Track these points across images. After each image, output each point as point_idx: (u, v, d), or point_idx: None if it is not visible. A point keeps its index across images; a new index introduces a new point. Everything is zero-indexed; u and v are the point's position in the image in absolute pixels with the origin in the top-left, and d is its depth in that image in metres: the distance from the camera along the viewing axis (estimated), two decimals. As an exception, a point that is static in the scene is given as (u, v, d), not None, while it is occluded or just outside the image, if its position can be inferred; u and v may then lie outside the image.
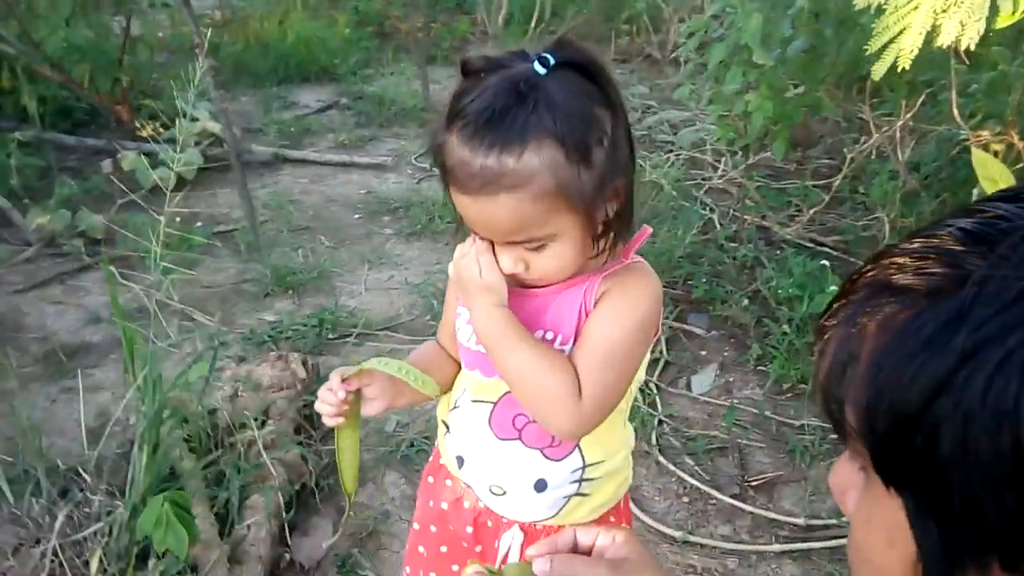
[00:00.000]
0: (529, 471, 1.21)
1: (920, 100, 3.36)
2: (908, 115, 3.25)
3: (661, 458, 2.49)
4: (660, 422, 2.64)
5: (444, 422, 1.30)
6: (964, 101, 3.54)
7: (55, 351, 2.99)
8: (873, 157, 3.87)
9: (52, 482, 2.11)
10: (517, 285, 1.13)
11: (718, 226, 3.74)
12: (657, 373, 2.87)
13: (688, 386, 2.85)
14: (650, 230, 1.20)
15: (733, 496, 2.34)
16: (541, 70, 0.95)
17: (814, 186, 4.04)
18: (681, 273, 3.34)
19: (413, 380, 1.16)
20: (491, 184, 0.96)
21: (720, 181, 4.06)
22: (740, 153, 4.25)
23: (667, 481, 2.43)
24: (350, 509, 1.26)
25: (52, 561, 1.87)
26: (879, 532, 0.50)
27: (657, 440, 2.57)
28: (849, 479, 0.53)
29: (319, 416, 1.18)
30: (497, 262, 1.09)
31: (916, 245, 0.47)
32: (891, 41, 1.83)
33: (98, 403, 2.60)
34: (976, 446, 0.41)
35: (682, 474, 2.43)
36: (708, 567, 2.13)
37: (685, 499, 2.37)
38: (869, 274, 0.49)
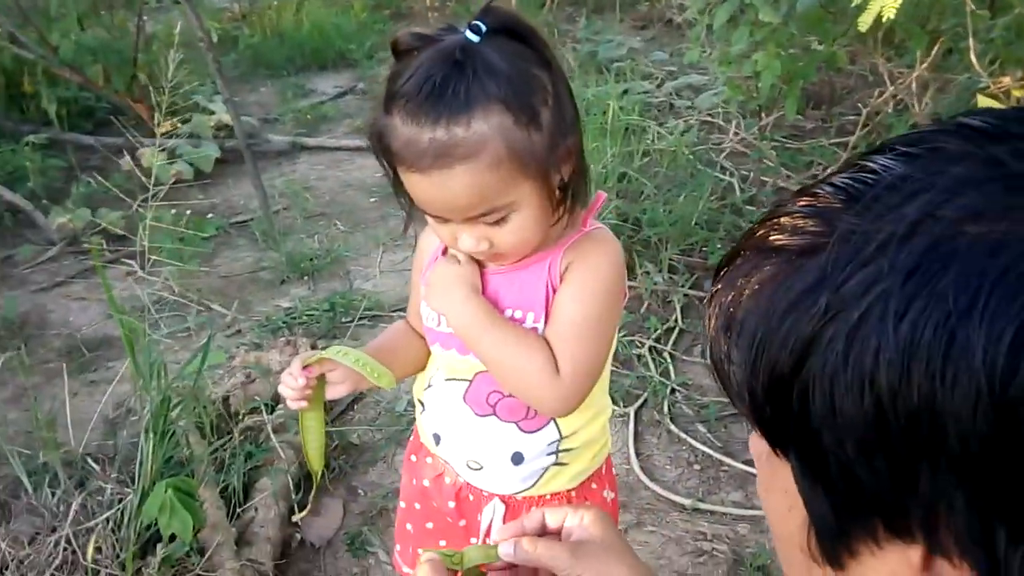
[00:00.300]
0: (505, 445, 1.21)
1: (936, 48, 3.24)
2: (923, 65, 3.14)
3: (672, 426, 2.46)
4: (672, 391, 2.61)
5: (420, 401, 1.31)
6: (984, 48, 3.41)
7: (78, 345, 3.06)
8: (894, 110, 3.76)
9: (69, 473, 2.17)
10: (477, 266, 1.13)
11: (737, 191, 3.67)
12: (671, 341, 2.84)
13: (703, 353, 2.81)
14: (604, 196, 1.19)
15: (745, 462, 2.30)
16: (474, 37, 0.94)
17: (836, 143, 3.94)
18: (697, 240, 3.29)
19: (369, 372, 1.17)
20: (443, 157, 0.94)
21: (736, 144, 3.98)
22: (756, 115, 4.17)
23: (678, 449, 2.41)
24: (318, 483, 1.27)
25: (65, 549, 1.92)
26: (778, 497, 0.49)
27: (669, 409, 2.54)
28: (760, 446, 0.52)
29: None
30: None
31: (796, 204, 0.46)
32: (878, -9, 1.77)
33: (117, 394, 2.65)
34: (843, 407, 0.40)
35: (694, 442, 2.40)
36: (719, 533, 2.11)
37: (696, 467, 2.34)
38: (756, 235, 0.47)
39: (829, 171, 0.48)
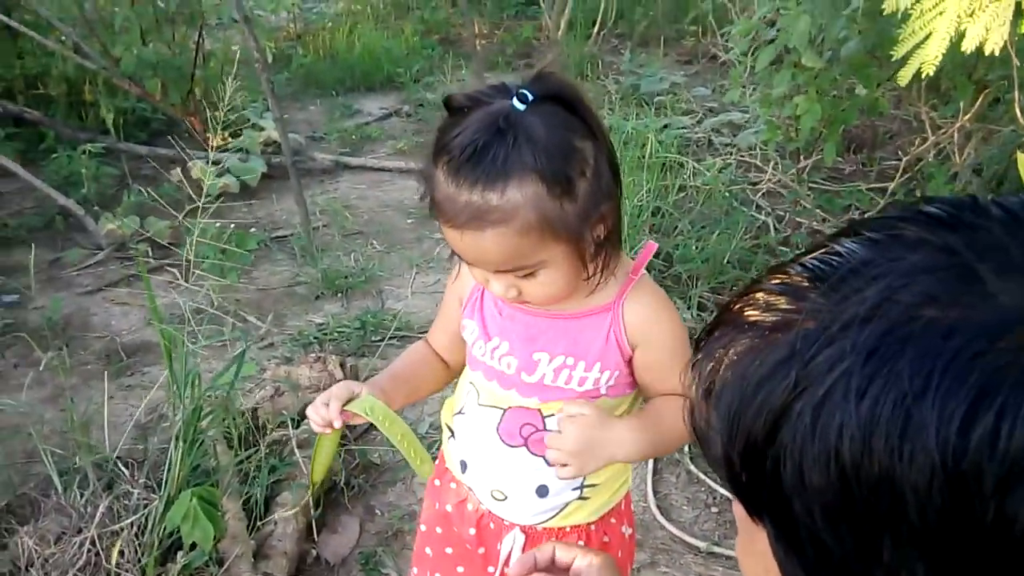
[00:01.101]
0: (532, 478, 1.24)
1: (981, 99, 3.22)
2: (967, 116, 3.12)
3: (692, 467, 2.47)
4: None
5: (448, 426, 1.34)
6: (1031, 100, 3.38)
7: (117, 350, 3.15)
8: (936, 159, 3.74)
9: (99, 475, 2.24)
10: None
11: (772, 231, 3.67)
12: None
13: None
14: (656, 246, 1.23)
15: (762, 506, 2.29)
16: (520, 106, 0.97)
17: (874, 188, 3.91)
18: (728, 279, 3.29)
19: (412, 456, 1.21)
20: (476, 219, 0.99)
21: (773, 184, 3.97)
22: (795, 156, 4.16)
23: (696, 490, 2.41)
24: (312, 493, 1.32)
25: (90, 550, 1.98)
26: (756, 559, 0.52)
27: (689, 449, 2.54)
28: (740, 509, 0.54)
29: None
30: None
31: (770, 281, 0.49)
32: (917, 47, 1.78)
33: (152, 400, 2.72)
34: (811, 477, 0.42)
35: (712, 483, 2.40)
36: (731, 578, 2.10)
37: (714, 509, 2.34)
38: (733, 309, 0.50)
39: (801, 251, 0.51)
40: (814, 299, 0.44)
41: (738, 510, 0.55)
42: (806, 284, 0.46)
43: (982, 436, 0.37)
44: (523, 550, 1.29)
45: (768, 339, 0.45)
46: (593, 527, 1.29)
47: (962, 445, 0.37)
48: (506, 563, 1.31)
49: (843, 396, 0.41)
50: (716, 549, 2.18)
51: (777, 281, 0.48)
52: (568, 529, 1.28)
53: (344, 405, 1.17)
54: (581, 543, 1.28)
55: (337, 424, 1.16)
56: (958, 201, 0.46)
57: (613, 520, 1.32)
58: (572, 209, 1.00)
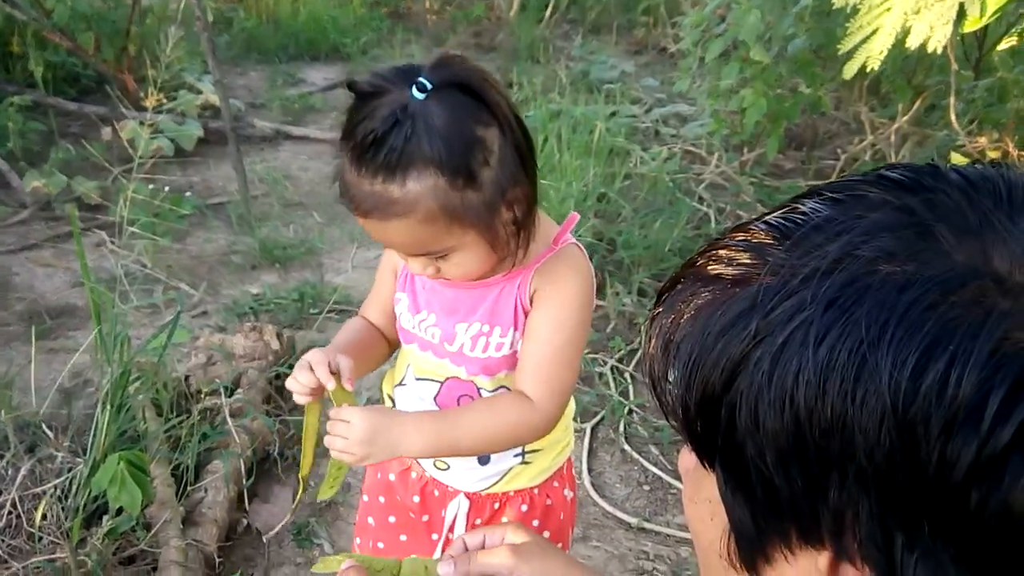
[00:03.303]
0: None
1: (919, 104, 3.33)
2: (904, 118, 3.22)
3: (627, 446, 2.50)
4: (630, 411, 2.65)
5: (389, 397, 1.32)
6: (965, 107, 3.51)
7: (40, 312, 3.03)
8: (872, 159, 3.85)
9: (21, 438, 2.15)
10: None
11: (713, 222, 3.73)
12: (634, 363, 2.87)
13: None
14: (577, 216, 1.22)
15: (694, 487, 2.34)
16: (419, 95, 0.95)
17: (812, 185, 4.00)
18: (668, 266, 3.33)
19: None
20: (378, 210, 0.98)
21: (716, 176, 4.04)
22: (738, 150, 4.24)
23: (630, 469, 2.44)
24: (303, 492, 1.24)
25: (10, 513, 1.90)
26: (703, 507, 0.53)
27: (625, 429, 2.57)
28: (689, 461, 0.56)
29: (290, 391, 1.15)
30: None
31: (732, 238, 0.50)
32: (863, 41, 1.82)
33: (76, 365, 2.63)
34: (765, 422, 0.44)
35: (645, 463, 2.44)
36: (661, 554, 2.14)
37: (646, 487, 2.37)
38: (695, 264, 0.52)
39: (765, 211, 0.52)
40: (777, 254, 0.46)
41: (684, 461, 0.57)
42: (769, 240, 0.47)
43: (932, 382, 0.39)
44: (467, 516, 1.29)
45: (729, 292, 0.47)
46: (536, 491, 1.29)
47: (913, 390, 0.39)
48: (451, 529, 1.31)
49: (801, 343, 0.42)
50: (647, 525, 2.21)
51: (741, 237, 0.49)
52: (512, 493, 1.29)
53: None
54: (524, 507, 1.29)
55: (330, 385, 1.08)
56: (918, 167, 0.48)
57: (556, 484, 1.32)
58: (476, 198, 0.98)
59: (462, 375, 1.19)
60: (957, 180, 0.46)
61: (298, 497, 1.30)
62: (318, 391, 1.11)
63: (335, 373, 1.10)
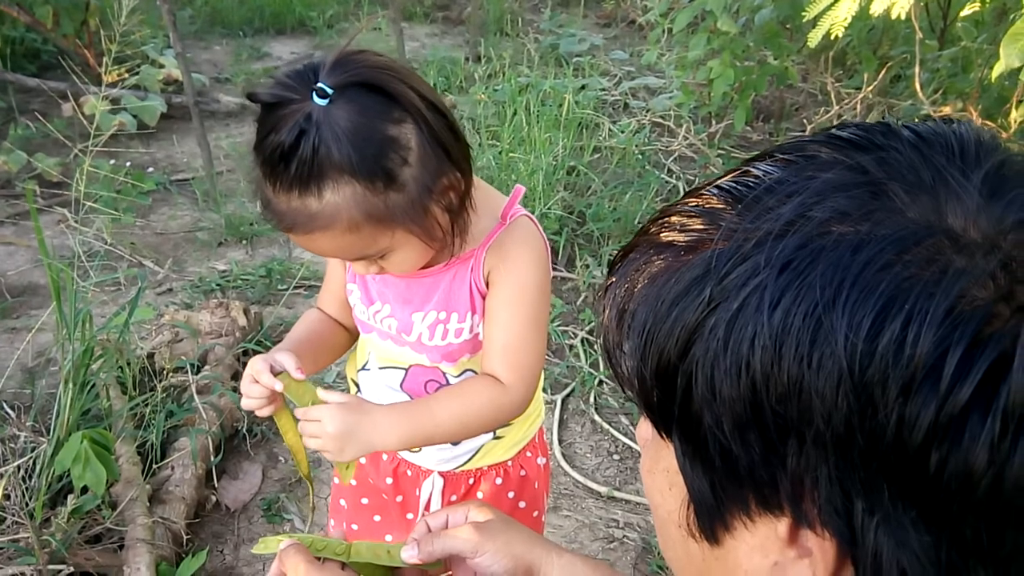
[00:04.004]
0: None
1: (884, 73, 3.34)
2: (870, 88, 3.24)
3: (596, 416, 2.51)
4: (600, 382, 2.66)
5: (354, 381, 1.30)
6: (930, 77, 3.54)
7: (1, 291, 2.97)
8: (838, 130, 3.87)
9: (-19, 418, 2.12)
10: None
11: (681, 193, 3.73)
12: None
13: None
14: (523, 189, 1.18)
15: (663, 456, 2.36)
16: (321, 102, 0.89)
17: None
18: (636, 238, 3.33)
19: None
20: (300, 226, 0.94)
21: (685, 148, 4.04)
22: (706, 122, 4.24)
23: (600, 439, 2.45)
24: (312, 491, 1.22)
25: (-29, 493, 1.87)
26: (660, 477, 0.52)
27: (595, 400, 2.59)
28: (646, 431, 0.55)
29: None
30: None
31: (685, 204, 0.49)
32: (828, 8, 1.82)
33: (38, 344, 2.59)
34: (722, 389, 0.43)
35: (616, 433, 2.45)
36: (631, 522, 2.16)
37: (616, 457, 2.39)
38: (648, 232, 0.50)
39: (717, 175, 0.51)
40: (729, 219, 0.45)
41: (642, 432, 0.57)
42: (721, 205, 0.46)
43: (888, 343, 0.38)
44: (442, 493, 1.28)
45: (683, 259, 0.46)
46: (510, 463, 1.29)
47: (869, 351, 0.38)
48: (427, 508, 1.30)
49: (756, 308, 0.41)
50: (617, 494, 2.23)
51: (693, 203, 0.48)
52: (486, 468, 1.28)
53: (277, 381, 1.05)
54: (499, 481, 1.29)
55: (278, 386, 1.04)
56: (869, 125, 0.47)
57: (529, 454, 1.32)
58: (400, 198, 0.94)
59: (424, 362, 1.17)
60: (909, 137, 0.45)
61: (311, 498, 1.26)
62: (274, 397, 1.07)
63: (280, 373, 1.06)
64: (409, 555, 0.83)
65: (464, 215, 1.04)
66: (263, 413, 1.08)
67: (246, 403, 1.07)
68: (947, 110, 3.37)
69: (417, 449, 1.25)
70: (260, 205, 0.97)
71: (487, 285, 1.11)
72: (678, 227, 0.48)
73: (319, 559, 0.81)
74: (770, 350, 0.41)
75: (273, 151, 0.90)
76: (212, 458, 2.19)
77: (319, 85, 0.89)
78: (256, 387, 1.05)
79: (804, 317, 0.40)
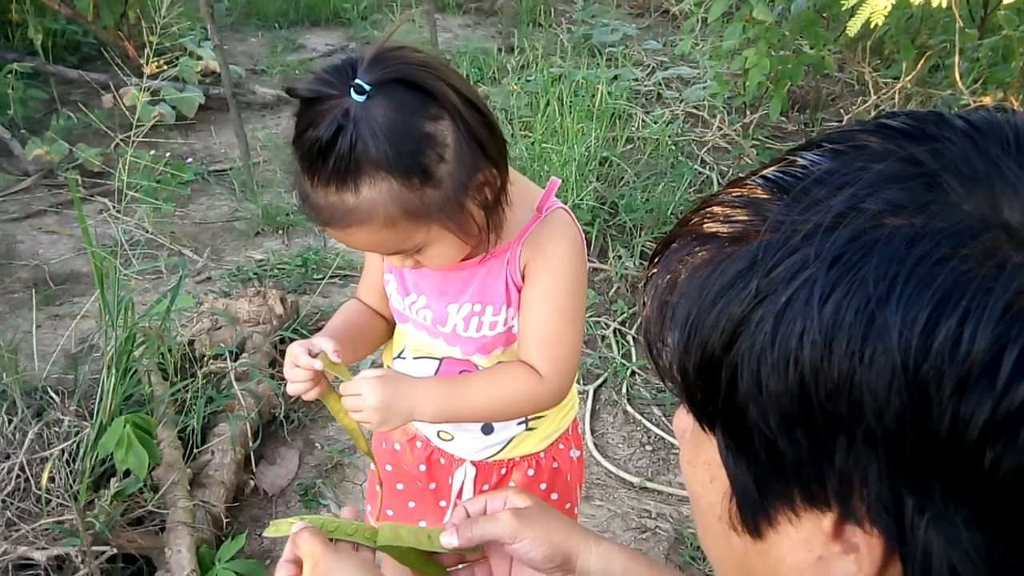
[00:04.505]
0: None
1: (922, 63, 3.29)
2: (908, 77, 3.19)
3: (629, 407, 2.52)
4: (632, 373, 2.66)
5: (390, 368, 1.32)
6: (969, 66, 3.48)
7: (45, 278, 3.04)
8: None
9: (28, 403, 2.17)
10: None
11: (715, 185, 3.71)
12: (636, 326, 2.88)
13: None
14: (559, 182, 1.19)
15: (696, 447, 2.36)
16: (359, 97, 0.90)
17: (814, 147, 3.98)
18: (669, 229, 3.30)
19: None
20: (337, 220, 0.95)
21: (718, 138, 4.02)
22: (741, 112, 4.21)
23: (632, 430, 2.46)
24: (374, 463, 1.24)
25: (18, 476, 1.93)
26: (702, 470, 0.52)
27: (627, 390, 2.59)
28: (685, 422, 0.55)
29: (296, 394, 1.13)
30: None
31: (729, 194, 0.48)
32: (867, -4, 1.80)
33: (81, 330, 2.65)
34: (768, 384, 0.42)
35: (648, 423, 2.46)
36: (663, 512, 2.16)
37: (648, 448, 2.40)
38: (690, 223, 0.50)
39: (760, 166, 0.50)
40: (776, 210, 0.44)
41: (681, 423, 0.56)
42: (766, 196, 0.46)
43: (944, 339, 0.37)
44: (474, 482, 1.30)
45: (727, 250, 0.45)
46: (542, 455, 1.30)
47: (924, 347, 0.38)
48: (459, 496, 1.32)
49: (806, 302, 0.41)
50: (649, 484, 2.23)
51: (736, 194, 0.48)
52: (518, 459, 1.29)
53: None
54: (531, 472, 1.30)
55: (317, 364, 1.06)
56: (920, 114, 0.46)
57: (561, 446, 1.33)
58: (436, 195, 0.95)
59: (457, 355, 1.19)
60: (962, 127, 0.44)
61: (378, 474, 1.28)
62: (317, 379, 1.09)
63: (318, 354, 1.08)
64: (448, 540, 0.84)
65: (499, 211, 1.04)
66: (309, 396, 1.10)
67: (291, 388, 1.09)
68: (987, 100, 3.31)
69: (449, 437, 1.27)
70: (298, 198, 0.99)
71: (523, 278, 1.12)
72: (721, 218, 0.47)
73: (332, 541, 0.81)
74: (820, 345, 0.40)
75: (311, 146, 0.91)
76: (250, 443, 2.23)
77: (357, 81, 0.90)
78: (298, 371, 1.07)
79: (856, 312, 0.39)
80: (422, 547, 0.86)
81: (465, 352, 1.18)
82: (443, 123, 0.94)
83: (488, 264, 1.12)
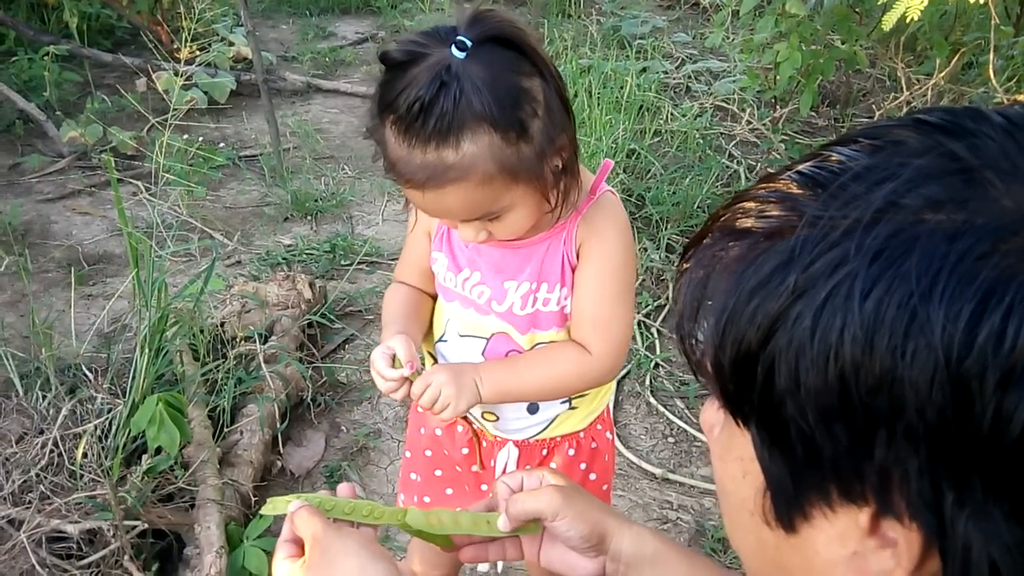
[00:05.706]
0: None
1: (956, 60, 3.26)
2: (941, 74, 3.16)
3: (652, 399, 2.52)
4: (656, 365, 2.67)
5: (430, 354, 1.33)
6: (1004, 64, 3.44)
7: (78, 259, 3.10)
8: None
9: (62, 380, 2.22)
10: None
11: (743, 179, 3.70)
12: (660, 318, 2.89)
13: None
14: (611, 163, 1.22)
15: (719, 440, 2.36)
16: (460, 55, 0.94)
17: (845, 144, 3.95)
18: (697, 223, 3.32)
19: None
20: (435, 178, 0.97)
21: (747, 133, 4.00)
22: (771, 106, 4.18)
23: (655, 421, 2.47)
24: (476, 437, 1.30)
25: (52, 451, 1.97)
26: (734, 465, 0.52)
27: (651, 382, 2.60)
28: (714, 417, 0.55)
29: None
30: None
31: (761, 190, 0.48)
32: (904, -10, 1.78)
33: (114, 310, 2.69)
34: (807, 379, 0.42)
35: (671, 416, 2.46)
36: (684, 504, 2.17)
37: (671, 439, 2.40)
38: (722, 218, 0.50)
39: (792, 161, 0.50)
40: (812, 205, 0.44)
41: (709, 418, 0.56)
42: (800, 191, 0.46)
43: (988, 334, 0.37)
44: (517, 463, 1.31)
45: (762, 246, 0.45)
46: (582, 435, 1.32)
47: (967, 343, 0.38)
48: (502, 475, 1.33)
49: (846, 298, 0.41)
50: (671, 476, 2.24)
51: (770, 189, 0.48)
52: (559, 439, 1.31)
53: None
54: (572, 452, 1.32)
55: (406, 372, 1.13)
56: (957, 110, 0.46)
57: (599, 426, 1.35)
58: (528, 151, 0.98)
59: (509, 331, 1.20)
60: (1000, 122, 0.44)
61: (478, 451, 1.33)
62: (403, 380, 1.15)
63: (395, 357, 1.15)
64: (503, 524, 0.85)
65: (575, 176, 1.09)
66: (399, 396, 1.16)
67: (385, 389, 1.16)
68: (1022, 98, 3.27)
69: (494, 418, 1.28)
70: (386, 166, 1.02)
71: (577, 257, 1.15)
72: (755, 213, 0.47)
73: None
74: (861, 341, 0.40)
75: (411, 105, 0.94)
76: (278, 425, 2.26)
77: (459, 38, 0.94)
78: (389, 383, 1.14)
79: (898, 307, 0.39)
80: (481, 533, 0.86)
81: (519, 329, 1.20)
82: (536, 81, 0.99)
83: (547, 242, 1.15)
